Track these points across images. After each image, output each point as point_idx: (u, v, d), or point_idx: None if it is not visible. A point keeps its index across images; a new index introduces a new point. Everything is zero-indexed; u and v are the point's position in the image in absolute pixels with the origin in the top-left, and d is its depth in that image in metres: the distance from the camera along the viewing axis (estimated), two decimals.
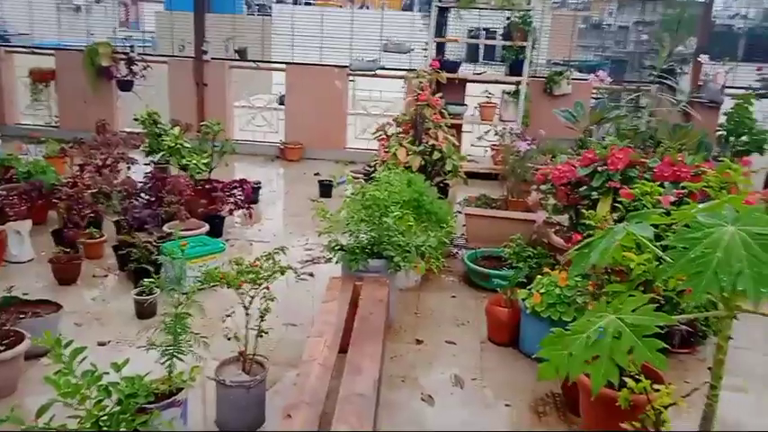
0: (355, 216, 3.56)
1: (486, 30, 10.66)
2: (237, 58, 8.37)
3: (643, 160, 3.29)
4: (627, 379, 2.49)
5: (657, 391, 2.37)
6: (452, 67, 7.01)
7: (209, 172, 5.20)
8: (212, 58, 7.87)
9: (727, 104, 6.50)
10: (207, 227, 4.55)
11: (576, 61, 11.04)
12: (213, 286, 3.38)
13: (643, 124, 4.47)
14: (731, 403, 3.34)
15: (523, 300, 3.35)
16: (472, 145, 7.79)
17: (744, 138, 5.66)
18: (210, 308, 3.59)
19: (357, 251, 3.45)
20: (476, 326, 3.81)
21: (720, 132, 5.80)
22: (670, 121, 4.50)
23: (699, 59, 6.23)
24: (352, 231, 3.59)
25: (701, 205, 1.69)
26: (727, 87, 6.65)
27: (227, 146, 5.43)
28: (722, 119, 6.29)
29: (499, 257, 4.31)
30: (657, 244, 1.71)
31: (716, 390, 1.73)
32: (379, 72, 7.84)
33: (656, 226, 1.80)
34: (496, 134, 6.69)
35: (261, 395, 2.73)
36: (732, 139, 5.70)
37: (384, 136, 5.01)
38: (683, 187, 2.83)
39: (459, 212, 5.11)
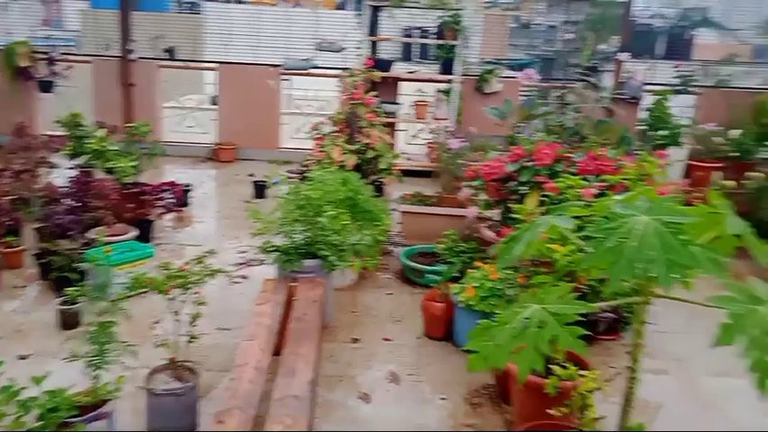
0: (289, 216, 3.52)
1: (421, 29, 10.78)
2: (166, 57, 8.13)
3: (568, 155, 3.40)
4: (554, 367, 2.57)
5: (583, 376, 2.46)
6: (386, 65, 7.05)
7: (138, 175, 5.03)
8: (139, 58, 7.62)
9: (648, 100, 6.80)
10: (135, 232, 4.40)
11: (507, 60, 11.29)
12: (141, 293, 3.28)
13: (569, 120, 4.62)
14: (654, 385, 3.50)
15: (456, 294, 3.40)
16: (408, 143, 7.85)
17: (662, 132, 5.94)
18: (139, 315, 3.48)
19: (291, 252, 3.42)
20: (412, 322, 3.84)
21: (641, 127, 6.06)
22: (594, 117, 4.66)
23: (618, 57, 6.47)
24: (287, 232, 3.55)
25: (617, 197, 1.75)
26: (647, 84, 6.95)
27: (157, 148, 5.28)
28: (643, 114, 6.57)
29: (435, 253, 4.36)
30: (580, 235, 1.76)
31: (634, 373, 1.81)
32: (312, 71, 7.80)
33: (579, 218, 1.86)
34: (431, 132, 6.76)
35: (193, 402, 2.67)
36: (652, 133, 5.97)
37: (319, 135, 4.98)
38: (605, 180, 2.94)
39: (395, 210, 5.14)
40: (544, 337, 1.53)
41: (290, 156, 7.61)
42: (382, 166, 4.58)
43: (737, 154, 6.00)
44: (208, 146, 7.88)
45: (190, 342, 2.69)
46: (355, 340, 3.65)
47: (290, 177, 5.13)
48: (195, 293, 2.75)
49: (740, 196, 5.38)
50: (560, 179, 2.72)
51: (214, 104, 8.14)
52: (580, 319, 1.55)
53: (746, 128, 6.46)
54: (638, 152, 5.57)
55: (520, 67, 9.63)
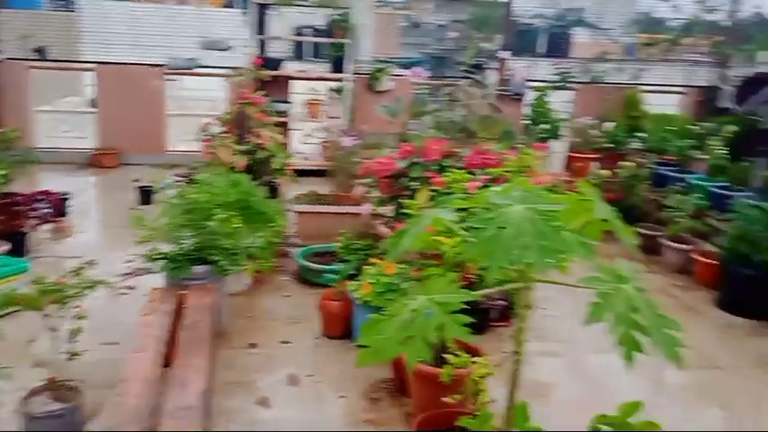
0: (176, 222, 3.39)
1: (313, 27, 10.72)
2: (36, 57, 7.57)
3: (455, 150, 3.51)
4: (448, 356, 2.64)
5: (475, 363, 2.55)
6: (275, 64, 6.95)
7: (8, 185, 4.64)
8: (7, 59, 7.05)
9: (531, 96, 7.14)
10: (7, 246, 4.07)
11: (400, 58, 11.47)
12: (13, 311, 3.04)
13: (457, 117, 4.77)
14: (545, 367, 3.70)
15: (353, 291, 3.41)
16: (302, 142, 7.78)
17: (544, 126, 6.28)
18: (13, 334, 3.23)
19: (180, 259, 3.29)
20: (310, 323, 3.81)
21: (525, 122, 6.37)
22: (480, 113, 4.84)
23: (498, 55, 6.75)
24: (174, 238, 3.42)
25: (496, 188, 1.82)
26: (529, 81, 7.30)
27: (30, 155, 4.90)
28: (527, 109, 6.90)
29: (332, 252, 4.35)
30: (464, 226, 1.81)
31: (519, 355, 1.89)
32: (199, 70, 7.54)
33: (464, 210, 1.92)
34: (325, 131, 6.75)
35: (78, 423, 2.51)
36: (534, 127, 6.29)
37: (207, 136, 4.82)
38: (489, 173, 3.07)
39: (290, 211, 5.08)
40: (431, 326, 1.56)
41: (178, 159, 7.32)
42: (275, 166, 4.52)
43: (611, 145, 6.44)
44: (87, 151, 7.42)
45: (70, 359, 2.52)
46: (252, 345, 3.58)
47: (178, 181, 4.93)
48: (75, 308, 2.58)
49: (615, 184, 5.79)
50: (447, 173, 2.80)
51: (93, 107, 7.68)
52: (465, 307, 1.60)
53: (618, 120, 6.95)
54: (520, 146, 5.85)
55: (412, 65, 9.81)
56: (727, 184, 5.38)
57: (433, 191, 3.12)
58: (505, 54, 6.63)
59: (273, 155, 4.49)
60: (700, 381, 3.67)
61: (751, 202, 4.64)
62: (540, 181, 2.43)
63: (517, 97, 6.99)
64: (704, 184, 5.48)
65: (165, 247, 3.49)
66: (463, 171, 3.11)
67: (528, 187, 1.71)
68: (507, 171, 2.78)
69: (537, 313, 4.17)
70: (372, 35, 12.86)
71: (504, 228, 1.54)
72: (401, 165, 3.56)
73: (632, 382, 3.53)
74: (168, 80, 7.68)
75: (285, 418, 2.97)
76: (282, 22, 8.99)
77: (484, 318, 3.89)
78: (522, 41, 11.75)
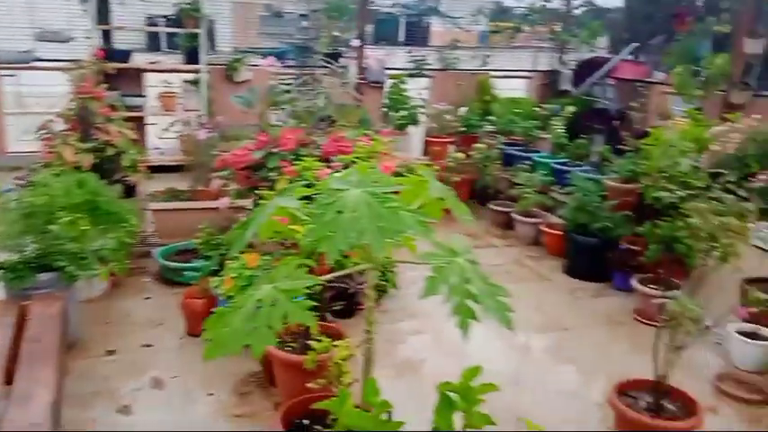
0: (13, 228, 3.13)
1: (166, 17, 10.19)
2: None
3: (311, 139, 3.53)
4: (312, 342, 2.69)
5: (337, 347, 2.61)
6: (124, 56, 6.57)
7: None
8: None
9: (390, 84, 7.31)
10: None
11: (262, 48, 11.24)
12: None
13: (316, 105, 4.79)
14: (413, 344, 3.86)
15: (216, 287, 3.35)
16: (159, 137, 7.43)
17: (402, 112, 6.47)
18: None
19: (20, 267, 3.05)
20: (174, 323, 3.69)
21: (383, 109, 6.53)
22: (337, 102, 4.90)
23: (353, 44, 6.83)
24: (13, 246, 3.16)
25: (338, 174, 1.87)
26: (388, 69, 7.46)
27: None
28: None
29: (194, 249, 4.23)
30: (308, 213, 1.85)
31: (370, 333, 1.97)
32: (36, 64, 6.94)
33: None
34: (183, 124, 6.48)
35: None
36: (393, 114, 6.47)
37: (48, 135, 4.47)
38: (342, 160, 3.13)
39: (147, 209, 4.86)
40: (276, 314, 1.59)
41: (19, 160, 6.72)
42: (125, 163, 4.29)
43: (465, 129, 6.77)
44: None
45: None
46: (111, 352, 3.41)
47: (18, 185, 4.54)
48: None
49: (469, 166, 6.11)
50: (297, 162, 2.82)
51: None
52: (308, 292, 1.64)
53: (472, 105, 7.32)
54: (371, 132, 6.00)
55: (276, 55, 9.66)
56: (567, 160, 5.86)
57: (291, 180, 3.12)
58: (357, 42, 6.72)
59: (123, 151, 4.26)
60: (552, 342, 4.01)
61: (587, 175, 5.10)
62: (388, 166, 2.52)
63: (377, 85, 7.12)
64: (548, 161, 5.94)
65: (3, 256, 3.22)
66: (317, 159, 3.15)
67: (365, 172, 1.77)
68: (357, 157, 2.86)
69: (407, 293, 4.35)
70: (232, 24, 12.50)
71: (341, 212, 1.60)
72: (257, 155, 3.53)
73: (495, 350, 3.79)
74: (4, 75, 7.01)
75: (148, 422, 2.87)
76: (134, 12, 8.49)
77: (351, 302, 3.97)
78: (384, 30, 11.96)
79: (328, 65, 5.40)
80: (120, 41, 8.20)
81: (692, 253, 2.85)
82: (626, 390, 2.88)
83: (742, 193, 3.15)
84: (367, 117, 4.93)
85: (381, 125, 6.02)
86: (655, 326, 2.64)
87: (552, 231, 5.28)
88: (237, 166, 3.55)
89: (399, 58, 8.29)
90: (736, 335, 3.63)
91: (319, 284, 3.37)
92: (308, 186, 1.92)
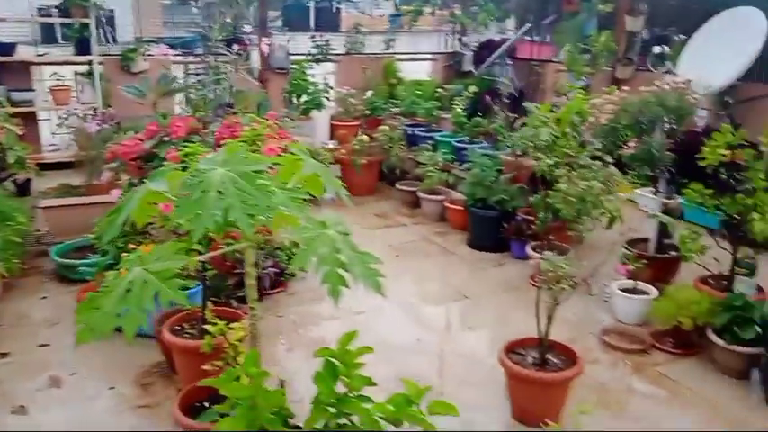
0: None
1: (59, 8, 9.68)
2: None
3: (203, 126, 3.51)
4: (208, 326, 2.71)
5: (233, 329, 2.65)
6: (6, 49, 6.23)
7: None
8: None
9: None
10: None
11: (168, 37, 10.89)
12: None
13: (213, 92, 4.74)
14: (320, 323, 3.93)
15: None
16: (54, 133, 7.12)
17: (305, 98, 6.49)
18: None
19: None
20: (71, 321, 3.60)
21: (285, 94, 6.52)
22: (235, 88, 4.86)
23: (247, 31, 6.76)
24: None
25: (209, 156, 1.90)
26: (293, 55, 7.43)
27: None
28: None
29: (92, 245, 4.12)
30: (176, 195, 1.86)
31: (255, 311, 2.02)
32: None
33: None
34: (76, 118, 6.24)
35: None
36: (296, 99, 6.48)
37: None
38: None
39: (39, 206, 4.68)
40: (147, 295, 1.61)
41: None
42: (11, 160, 4.11)
43: (370, 112, 6.87)
44: None
45: None
46: (4, 355, 3.31)
47: None
48: None
49: (375, 148, 6.21)
50: (181, 148, 2.81)
51: None
52: (178, 272, 1.67)
53: (378, 88, 7.42)
54: (288, 118, 6.00)
55: (182, 45, 9.39)
56: (467, 138, 6.07)
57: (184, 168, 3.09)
58: (251, 29, 6.66)
59: (7, 148, 4.08)
60: (455, 311, 4.19)
61: (483, 151, 5.31)
62: (272, 148, 2.56)
63: (281, 71, 7.08)
64: (449, 140, 6.13)
65: None
66: (211, 146, 3.14)
67: (233, 152, 1.81)
68: (243, 141, 2.88)
69: (314, 274, 4.40)
70: (132, 13, 12.00)
71: (205, 191, 1.63)
72: (148, 145, 3.47)
73: (401, 323, 3.93)
74: None
75: (46, 422, 2.81)
76: (21, 3, 8.04)
77: (258, 286, 3.98)
78: (292, 16, 11.81)
79: (227, 52, 5.33)
80: (7, 34, 7.76)
81: (575, 218, 3.07)
82: (515, 348, 3.07)
83: (611, 159, 3.41)
84: (266, 103, 4.92)
85: (284, 111, 6.01)
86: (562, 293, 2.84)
87: (455, 207, 5.47)
88: (128, 156, 3.48)
89: (306, 43, 8.27)
90: (618, 291, 3.92)
91: (211, 269, 3.40)
92: (184, 170, 1.94)
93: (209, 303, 2.88)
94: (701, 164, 3.46)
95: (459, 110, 6.09)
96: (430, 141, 6.09)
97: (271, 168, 1.93)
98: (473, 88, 6.76)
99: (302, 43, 7.57)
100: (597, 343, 3.71)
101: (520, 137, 3.28)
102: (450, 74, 8.40)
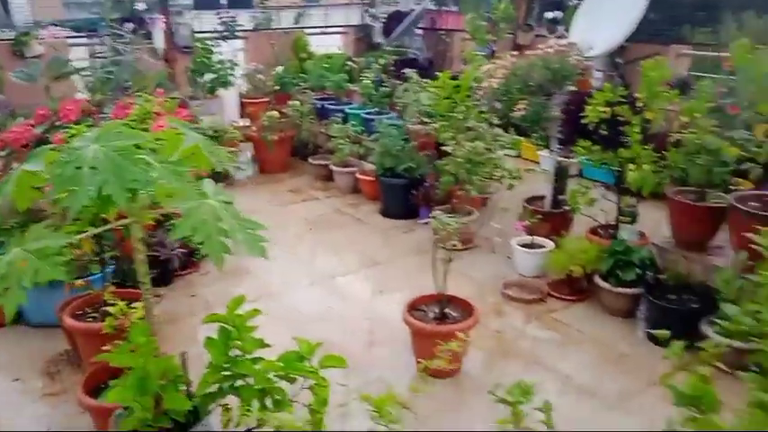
0: None
1: None
2: None
3: (95, 108, 3.44)
4: (109, 308, 2.72)
5: (134, 308, 2.67)
6: None
7: None
8: None
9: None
10: None
11: (77, 20, 10.37)
12: None
13: (110, 73, 4.61)
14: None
15: None
16: None
17: (210, 75, 6.39)
18: None
19: None
20: None
21: (190, 73, 6.39)
22: (135, 68, 4.75)
23: (141, 9, 6.54)
24: None
25: (88, 134, 1.90)
26: (198, 33, 7.26)
27: None
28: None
29: None
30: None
31: (146, 285, 2.05)
32: None
33: None
34: None
35: None
36: (200, 78, 6.37)
37: None
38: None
39: None
40: (27, 274, 1.63)
41: None
42: None
43: (279, 87, 6.84)
44: None
45: None
46: None
47: None
48: None
49: (285, 123, 6.22)
50: (66, 130, 2.76)
51: None
52: (59, 249, 1.69)
53: (288, 64, 7.38)
54: (192, 97, 5.90)
55: (89, 26, 8.97)
56: (376, 109, 6.16)
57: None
58: (143, 7, 6.46)
59: None
60: (367, 277, 4.32)
61: (390, 122, 5.42)
62: (161, 125, 2.57)
63: (187, 50, 6.92)
64: (358, 112, 6.20)
65: None
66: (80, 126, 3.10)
67: (108, 129, 1.83)
68: (132, 120, 2.86)
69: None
70: None
71: (79, 168, 1.65)
72: (39, 130, 3.38)
73: (314, 293, 4.03)
74: None
75: None
76: None
77: (166, 269, 3.99)
78: None
79: (123, 32, 5.18)
80: None
81: (468, 179, 3.23)
82: (417, 305, 3.24)
83: (497, 121, 3.59)
84: (165, 82, 4.83)
85: (189, 90, 5.92)
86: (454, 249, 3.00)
87: (366, 178, 5.58)
88: (18, 143, 3.38)
89: (212, 21, 8.08)
90: (517, 246, 4.16)
91: (110, 251, 3.36)
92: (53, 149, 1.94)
93: (110, 286, 2.87)
94: (584, 121, 3.70)
95: (368, 82, 6.17)
96: (340, 114, 6.15)
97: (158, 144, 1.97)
98: (383, 60, 6.84)
99: (211, 21, 7.39)
100: (499, 296, 3.94)
101: (400, 100, 3.40)
102: (361, 46, 8.43)
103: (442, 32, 7.94)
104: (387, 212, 5.29)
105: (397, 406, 1.65)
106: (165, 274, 3.97)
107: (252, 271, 4.25)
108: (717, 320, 2.76)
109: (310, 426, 1.69)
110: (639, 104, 3.73)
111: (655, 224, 4.23)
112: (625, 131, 3.75)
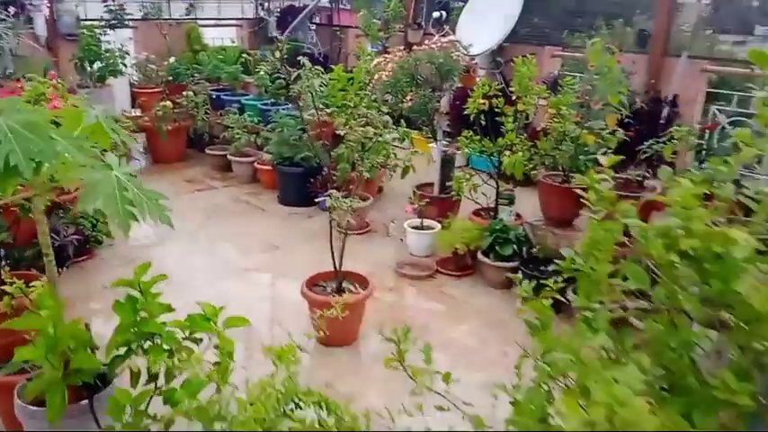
0: None
1: None
2: None
3: None
4: (6, 287, 2.70)
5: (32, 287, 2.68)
6: None
7: None
8: None
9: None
10: None
11: None
12: None
13: None
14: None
15: None
16: None
17: (98, 64, 6.23)
18: None
19: None
20: None
21: (76, 61, 6.19)
22: (16, 54, 4.59)
23: None
24: None
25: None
26: (84, 20, 7.01)
27: None
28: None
29: None
30: None
31: (49, 257, 2.12)
32: None
33: None
34: None
35: None
36: (89, 66, 6.19)
37: None
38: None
39: None
40: None
41: None
42: None
43: (173, 78, 6.77)
44: None
45: None
46: None
47: None
48: None
49: (180, 114, 6.20)
50: None
51: None
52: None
53: (181, 54, 7.30)
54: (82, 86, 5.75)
55: None
56: (273, 100, 6.28)
57: None
58: None
59: None
60: (267, 261, 4.46)
61: (286, 112, 5.57)
62: (56, 105, 2.60)
63: (71, 38, 6.68)
64: (255, 103, 6.30)
65: None
66: None
67: (10, 104, 1.89)
68: (27, 101, 2.85)
69: (122, 242, 4.43)
70: None
71: None
72: None
73: (216, 277, 4.11)
74: None
75: None
76: None
77: (61, 255, 3.92)
78: None
79: (7, 17, 4.97)
80: None
81: (359, 162, 3.46)
82: (316, 282, 3.44)
83: (389, 113, 3.87)
84: (51, 68, 4.70)
85: (77, 78, 5.75)
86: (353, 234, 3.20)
87: (264, 167, 5.69)
88: None
89: (99, 9, 7.81)
90: (409, 229, 4.46)
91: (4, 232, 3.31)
92: None
93: (4, 267, 2.85)
94: (465, 113, 4.05)
95: (264, 74, 6.26)
96: (236, 105, 6.21)
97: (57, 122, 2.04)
98: (278, 53, 6.94)
99: (97, 8, 7.14)
100: (393, 275, 4.22)
101: (298, 87, 3.60)
102: (256, 40, 8.48)
103: (337, 28, 8.16)
104: (286, 200, 5.44)
105: (295, 354, 1.85)
106: (59, 261, 3.90)
107: (150, 258, 4.26)
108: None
109: (217, 375, 1.84)
110: (513, 97, 4.15)
111: (530, 206, 4.69)
112: (502, 122, 4.16)
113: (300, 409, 1.77)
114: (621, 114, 3.95)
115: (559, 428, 1.44)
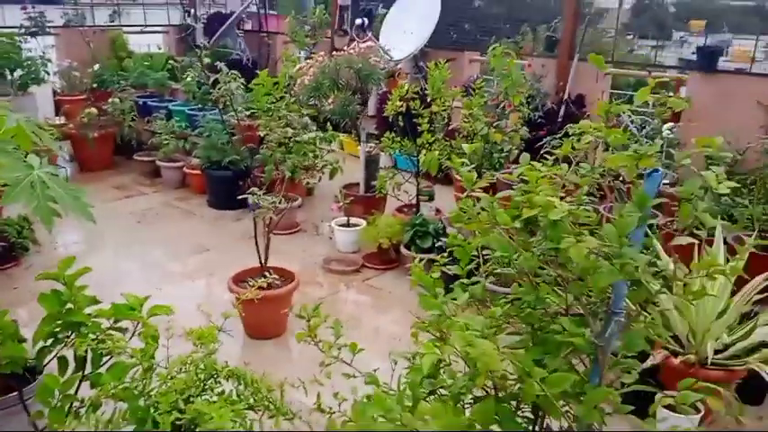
0: None
1: None
2: None
3: None
4: None
5: None
6: None
7: None
8: None
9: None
10: None
11: None
12: None
13: None
14: None
15: None
16: None
17: (19, 72, 6.13)
18: None
19: None
20: None
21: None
22: None
23: None
24: None
25: None
26: (2, 27, 6.87)
27: None
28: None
29: None
30: None
31: None
32: None
33: None
34: None
35: None
36: (9, 75, 6.09)
37: None
38: None
39: None
40: None
41: None
42: None
43: (98, 85, 6.74)
44: None
45: None
46: None
47: None
48: None
49: (106, 120, 6.19)
50: None
51: None
52: None
53: (106, 62, 7.26)
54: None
55: None
56: (200, 106, 6.34)
57: None
58: None
59: None
60: (198, 262, 4.55)
61: (213, 117, 5.67)
62: None
63: None
64: (182, 108, 6.35)
65: None
66: None
67: None
68: None
69: (49, 249, 4.44)
70: None
71: None
72: None
73: (141, 281, 4.18)
74: None
75: None
76: None
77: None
78: None
79: None
80: None
81: (282, 161, 3.64)
82: (243, 278, 3.58)
83: (308, 111, 4.06)
84: None
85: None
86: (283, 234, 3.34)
87: (193, 172, 5.77)
88: None
89: (18, 16, 7.65)
90: (336, 226, 4.65)
91: None
92: None
93: None
94: (384, 114, 4.28)
95: (191, 80, 6.32)
96: (164, 111, 6.25)
97: None
98: (206, 60, 7.01)
99: (17, 15, 7.00)
100: (321, 271, 4.40)
101: (215, 92, 3.75)
102: (183, 46, 8.48)
103: (264, 34, 8.28)
104: (215, 204, 5.53)
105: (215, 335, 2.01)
106: None
107: (79, 264, 4.29)
108: None
109: (141, 358, 1.97)
110: (428, 99, 4.40)
111: (449, 201, 4.97)
112: (417, 123, 4.41)
113: (219, 384, 1.94)
114: (528, 113, 4.27)
115: (443, 383, 1.67)
